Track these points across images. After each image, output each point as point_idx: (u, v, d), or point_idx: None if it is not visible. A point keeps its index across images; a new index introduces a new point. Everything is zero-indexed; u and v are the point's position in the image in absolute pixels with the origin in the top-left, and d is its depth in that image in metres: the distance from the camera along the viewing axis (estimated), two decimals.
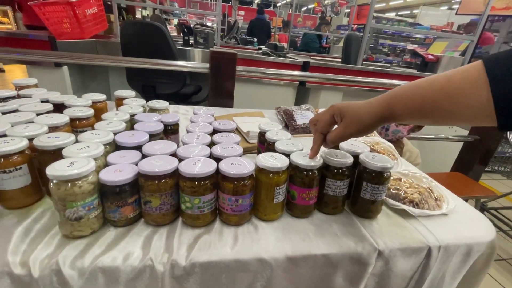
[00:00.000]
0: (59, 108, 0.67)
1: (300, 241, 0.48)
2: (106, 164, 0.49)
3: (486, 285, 1.47)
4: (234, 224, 0.50)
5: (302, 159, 0.51)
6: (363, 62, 2.44)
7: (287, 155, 0.53)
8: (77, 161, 0.43)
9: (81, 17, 1.77)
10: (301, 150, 0.56)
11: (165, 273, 0.41)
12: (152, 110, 0.76)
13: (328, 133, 0.50)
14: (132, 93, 0.83)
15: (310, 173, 0.51)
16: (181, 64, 1.38)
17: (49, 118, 0.57)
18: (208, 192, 0.47)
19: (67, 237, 0.43)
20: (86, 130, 0.62)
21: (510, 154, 1.92)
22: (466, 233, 0.54)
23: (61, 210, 0.42)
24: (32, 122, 0.56)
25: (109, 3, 2.30)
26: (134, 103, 0.77)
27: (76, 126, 0.62)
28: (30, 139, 0.49)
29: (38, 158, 0.49)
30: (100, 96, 0.75)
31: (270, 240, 0.48)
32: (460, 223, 0.57)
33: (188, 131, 0.66)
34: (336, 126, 0.50)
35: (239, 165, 0.48)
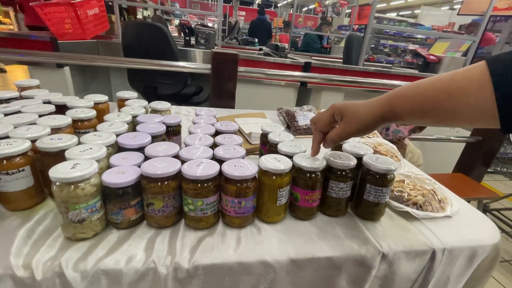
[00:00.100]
0: (61, 109, 0.67)
1: (304, 243, 0.48)
2: (109, 166, 0.48)
3: (488, 287, 1.46)
4: (237, 227, 0.50)
5: (305, 161, 0.51)
6: (364, 63, 2.44)
7: (290, 157, 0.53)
8: (80, 163, 0.43)
9: (83, 17, 1.77)
10: (304, 152, 0.56)
11: (168, 275, 0.41)
12: (154, 111, 0.76)
13: (328, 132, 0.50)
14: (134, 94, 0.83)
15: (313, 175, 0.51)
16: (182, 65, 1.38)
17: (51, 119, 0.57)
18: (211, 194, 0.46)
19: (70, 239, 0.43)
20: (88, 132, 0.62)
21: None
22: (470, 235, 0.54)
23: (64, 212, 0.41)
24: (35, 123, 0.56)
25: (110, 3, 2.30)
26: (136, 104, 0.77)
27: (78, 127, 0.62)
28: (33, 141, 0.49)
29: (40, 160, 0.49)
30: (102, 97, 0.75)
31: (273, 243, 0.47)
32: (464, 225, 0.57)
33: (190, 133, 0.65)
34: (336, 125, 0.49)
35: (242, 167, 0.47)
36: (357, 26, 5.65)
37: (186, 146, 0.56)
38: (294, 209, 0.54)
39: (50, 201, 0.52)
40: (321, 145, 0.52)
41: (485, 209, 1.80)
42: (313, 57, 2.87)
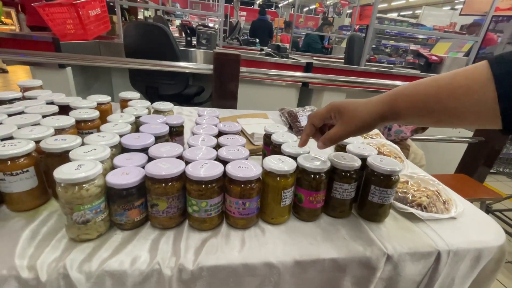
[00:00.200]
0: (64, 109, 0.67)
1: (308, 245, 0.48)
2: (113, 167, 0.48)
3: None
4: (241, 228, 0.50)
5: (309, 162, 0.50)
6: (366, 63, 2.43)
7: (294, 157, 0.53)
8: (84, 164, 0.43)
9: (85, 18, 1.78)
10: (308, 153, 0.55)
11: (173, 277, 0.41)
12: (157, 112, 0.76)
13: (320, 127, 0.50)
14: (136, 94, 0.83)
15: (317, 176, 0.50)
16: (184, 66, 1.38)
17: (55, 120, 0.57)
18: (215, 195, 0.46)
19: (74, 241, 0.43)
20: (92, 132, 0.62)
21: None
22: (475, 237, 0.53)
23: (68, 213, 0.41)
24: (38, 124, 0.56)
25: (112, 4, 2.30)
26: (138, 104, 0.77)
27: (82, 128, 0.62)
28: (37, 142, 0.49)
29: (44, 161, 0.49)
30: (105, 98, 0.75)
31: (278, 244, 0.47)
32: (469, 227, 0.56)
33: (193, 133, 0.65)
34: (330, 124, 0.49)
35: (246, 168, 0.47)
36: (358, 26, 5.64)
37: (189, 147, 0.56)
38: (298, 210, 0.54)
39: (54, 202, 0.52)
40: (311, 139, 0.51)
41: (487, 210, 1.80)
42: (314, 58, 2.87)
